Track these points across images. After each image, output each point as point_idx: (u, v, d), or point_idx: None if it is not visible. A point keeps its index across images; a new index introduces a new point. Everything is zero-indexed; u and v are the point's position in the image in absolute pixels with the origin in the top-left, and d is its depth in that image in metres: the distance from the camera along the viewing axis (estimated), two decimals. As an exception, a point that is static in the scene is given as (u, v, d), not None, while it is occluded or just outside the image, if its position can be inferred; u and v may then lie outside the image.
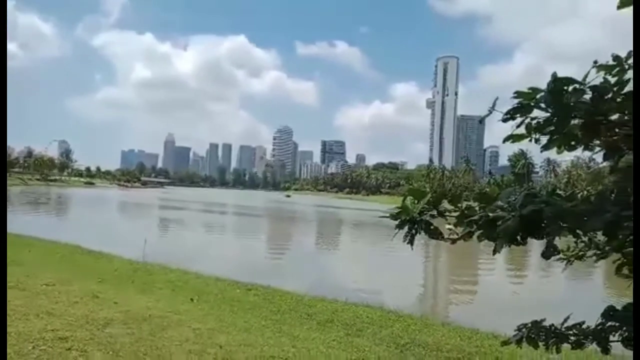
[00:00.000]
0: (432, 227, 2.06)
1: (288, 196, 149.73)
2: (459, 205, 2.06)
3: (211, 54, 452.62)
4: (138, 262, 12.99)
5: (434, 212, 2.02)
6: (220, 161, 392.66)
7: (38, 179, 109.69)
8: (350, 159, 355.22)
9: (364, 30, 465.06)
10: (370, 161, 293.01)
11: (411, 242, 2.06)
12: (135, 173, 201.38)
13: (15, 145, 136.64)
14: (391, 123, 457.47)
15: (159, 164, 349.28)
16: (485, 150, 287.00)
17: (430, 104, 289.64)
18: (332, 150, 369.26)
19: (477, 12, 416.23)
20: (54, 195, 68.14)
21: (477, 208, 2.03)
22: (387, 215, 2.11)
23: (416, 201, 2.08)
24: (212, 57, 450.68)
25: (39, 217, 34.85)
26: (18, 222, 27.70)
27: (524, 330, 2.13)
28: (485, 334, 8.12)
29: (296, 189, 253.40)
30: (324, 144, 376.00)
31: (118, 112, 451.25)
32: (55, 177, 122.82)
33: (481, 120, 2.27)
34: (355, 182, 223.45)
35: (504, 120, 2.13)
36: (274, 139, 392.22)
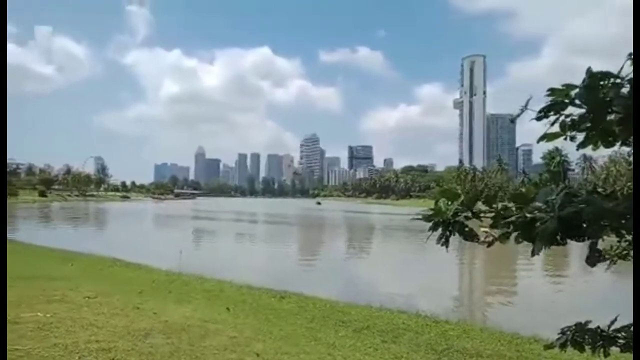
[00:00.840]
0: (467, 229, 2.03)
1: (319, 203, 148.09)
2: (494, 206, 2.02)
3: (236, 66, 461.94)
4: (174, 272, 13.29)
5: (469, 214, 1.99)
6: (249, 171, 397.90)
7: (77, 195, 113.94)
8: (378, 163, 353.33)
9: (384, 34, 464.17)
10: (398, 165, 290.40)
11: (446, 244, 2.04)
12: (168, 186, 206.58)
13: (55, 163, 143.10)
14: (418, 125, 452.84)
15: (191, 176, 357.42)
16: (517, 148, 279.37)
17: (457, 104, 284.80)
18: (359, 155, 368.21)
19: (499, 8, 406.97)
20: (92, 209, 70.66)
21: (513, 209, 1.99)
22: (419, 217, 2.09)
23: (449, 202, 2.06)
24: (237, 70, 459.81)
25: (79, 232, 36.18)
26: (60, 236, 28.89)
27: (568, 333, 2.06)
28: (526, 338, 7.88)
29: (324, 195, 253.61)
30: (350, 149, 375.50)
31: (150, 127, 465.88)
32: (93, 193, 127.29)
33: (513, 120, 2.23)
34: (384, 186, 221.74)
35: (538, 119, 2.08)
36: (301, 146, 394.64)
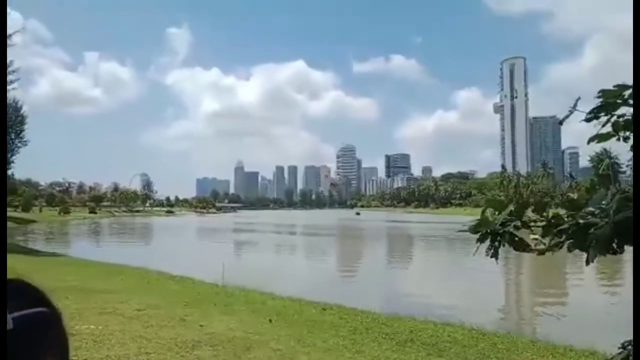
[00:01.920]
0: (516, 239, 1.97)
1: (358, 214, 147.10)
2: (545, 214, 1.95)
3: (272, 81, 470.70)
4: (218, 285, 13.55)
5: (518, 223, 1.93)
6: (287, 183, 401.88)
7: (124, 211, 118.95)
8: (416, 171, 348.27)
9: (418, 41, 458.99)
10: (438, 172, 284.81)
11: (495, 256, 1.99)
12: (209, 199, 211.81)
13: (103, 181, 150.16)
14: (456, 131, 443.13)
15: (231, 190, 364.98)
16: (563, 151, 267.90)
17: (498, 109, 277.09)
18: (396, 164, 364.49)
19: (536, 9, 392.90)
20: (138, 224, 73.44)
21: (564, 216, 1.91)
22: (466, 228, 2.05)
23: (496, 212, 2.01)
24: (273, 84, 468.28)
25: (126, 246, 37.63)
26: (109, 251, 30.19)
27: (629, 347, 1.95)
28: (581, 351, 7.48)
29: (362, 206, 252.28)
30: (387, 158, 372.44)
31: (191, 143, 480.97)
32: (139, 208, 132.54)
33: (561, 122, 2.16)
34: (423, 195, 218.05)
35: (587, 120, 2.01)
36: (338, 157, 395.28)
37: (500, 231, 1.92)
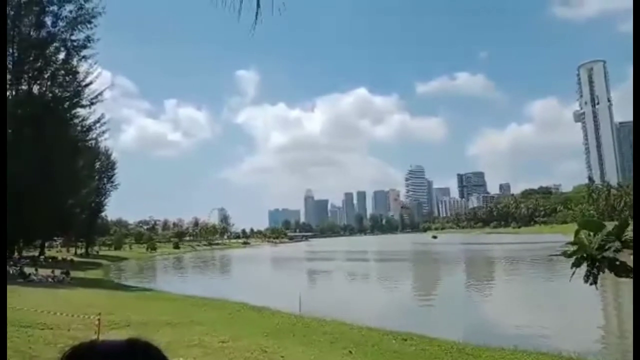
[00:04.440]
0: (618, 263, 1.79)
1: (434, 237, 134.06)
2: (649, 233, 1.76)
3: (336, 110, 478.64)
4: (295, 315, 13.65)
5: (618, 245, 1.76)
6: (356, 209, 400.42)
7: (205, 244, 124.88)
8: (493, 189, 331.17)
9: (484, 55, 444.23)
10: (517, 189, 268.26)
11: (594, 282, 1.82)
12: (282, 229, 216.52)
13: (185, 217, 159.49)
14: (533, 144, 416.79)
15: (302, 219, 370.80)
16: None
17: (579, 117, 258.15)
18: (470, 183, 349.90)
19: (610, 8, 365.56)
20: (218, 257, 76.60)
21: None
22: (558, 253, 1.90)
23: (592, 233, 1.85)
24: (337, 113, 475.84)
25: (208, 278, 39.28)
26: (192, 284, 31.69)
27: None
28: None
29: (436, 228, 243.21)
30: (460, 177, 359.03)
31: (262, 177, 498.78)
32: (218, 241, 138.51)
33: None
34: (502, 213, 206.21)
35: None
36: (406, 179, 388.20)
37: (599, 256, 1.76)
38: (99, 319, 7.88)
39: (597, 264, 1.74)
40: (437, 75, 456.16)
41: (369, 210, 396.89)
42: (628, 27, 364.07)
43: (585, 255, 1.75)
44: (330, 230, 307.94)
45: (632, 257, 1.85)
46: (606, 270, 1.76)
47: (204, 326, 10.80)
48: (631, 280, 1.79)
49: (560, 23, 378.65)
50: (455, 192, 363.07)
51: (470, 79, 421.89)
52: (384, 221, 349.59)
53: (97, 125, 40.80)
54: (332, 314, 13.68)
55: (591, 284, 1.77)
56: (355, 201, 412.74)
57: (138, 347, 0.75)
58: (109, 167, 63.39)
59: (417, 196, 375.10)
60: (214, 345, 8.42)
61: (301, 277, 37.35)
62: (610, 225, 1.83)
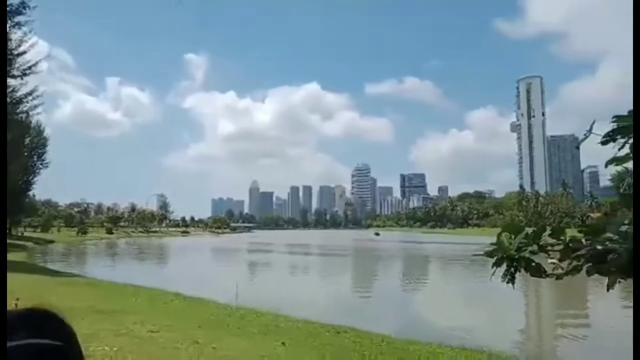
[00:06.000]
0: (533, 264, 1.92)
1: (377, 234, 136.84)
2: (562, 238, 1.91)
3: (287, 103, 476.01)
4: (231, 306, 13.48)
5: (535, 248, 1.88)
6: (302, 203, 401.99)
7: (141, 231, 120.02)
8: (432, 191, 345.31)
9: (433, 63, 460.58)
10: (454, 192, 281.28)
11: (512, 281, 1.94)
12: (224, 220, 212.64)
13: (121, 201, 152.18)
14: (472, 151, 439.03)
15: (246, 210, 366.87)
16: (583, 170, 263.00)
17: (515, 128, 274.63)
18: (412, 184, 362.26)
19: (549, 30, 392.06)
20: (154, 245, 73.96)
21: (583, 240, 1.86)
22: (482, 253, 2.01)
23: (513, 236, 1.97)
24: (288, 106, 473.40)
25: (142, 266, 37.84)
26: (124, 271, 30.38)
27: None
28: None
29: (377, 225, 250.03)
30: (403, 178, 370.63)
31: (207, 165, 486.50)
32: (155, 229, 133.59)
33: (578, 146, 2.13)
34: (439, 215, 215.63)
35: (603, 143, 1.97)
36: (352, 177, 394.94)
37: (516, 256, 1.87)
38: (16, 305, 7.33)
39: (515, 264, 1.86)
40: (387, 78, 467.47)
41: (314, 205, 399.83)
42: (560, 48, 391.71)
43: (504, 255, 1.87)
44: (274, 223, 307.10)
45: (547, 260, 1.98)
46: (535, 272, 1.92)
47: (134, 315, 10.38)
48: (548, 280, 1.92)
49: (504, 39, 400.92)
50: (397, 192, 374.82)
51: (419, 84, 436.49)
52: (328, 216, 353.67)
53: (29, 98, 37.81)
54: (269, 306, 13.67)
55: (508, 282, 1.88)
56: (301, 195, 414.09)
57: (37, 314, 0.72)
58: (40, 143, 58.98)
59: (362, 194, 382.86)
60: (144, 335, 8.13)
61: (241, 268, 36.96)
62: (530, 230, 1.96)
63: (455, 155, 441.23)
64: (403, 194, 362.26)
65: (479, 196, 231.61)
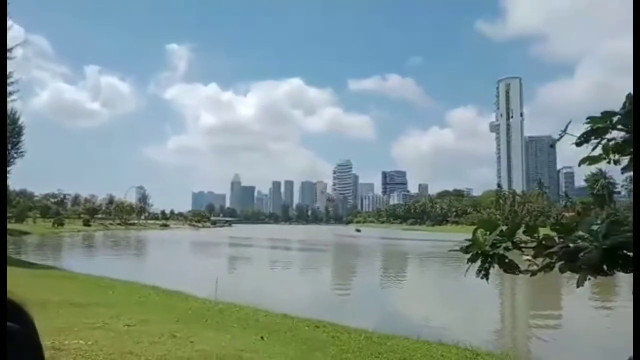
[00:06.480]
0: (507, 261, 1.96)
1: (358, 230, 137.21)
2: (536, 235, 1.95)
3: (270, 97, 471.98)
4: (210, 300, 13.40)
5: (509, 244, 1.92)
6: (283, 198, 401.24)
7: (119, 224, 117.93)
8: (413, 188, 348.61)
9: (415, 61, 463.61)
10: (434, 190, 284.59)
11: (486, 277, 1.98)
12: (205, 213, 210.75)
13: (99, 193, 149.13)
14: (452, 149, 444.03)
15: (227, 204, 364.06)
16: (559, 171, 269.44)
17: (494, 128, 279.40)
18: (393, 180, 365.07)
19: (529, 32, 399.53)
20: (132, 238, 72.85)
21: (555, 238, 1.91)
22: (457, 248, 2.05)
23: (488, 233, 2.01)
24: (271, 101, 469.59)
25: (119, 259, 37.26)
26: (101, 264, 29.85)
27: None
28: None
29: (358, 222, 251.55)
30: (384, 175, 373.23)
31: (188, 158, 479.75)
32: (134, 221, 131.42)
33: (552, 145, 2.18)
34: (419, 212, 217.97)
35: (578, 144, 2.02)
36: (334, 173, 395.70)
37: (491, 252, 1.91)
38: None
39: (489, 260, 1.90)
40: (370, 75, 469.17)
41: (296, 200, 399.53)
42: (540, 50, 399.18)
43: (479, 251, 1.91)
44: (255, 217, 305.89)
45: (521, 257, 2.03)
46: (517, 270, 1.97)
47: (110, 309, 10.23)
48: (521, 276, 1.97)
49: (485, 39, 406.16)
50: (378, 189, 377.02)
51: (401, 81, 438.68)
52: (309, 212, 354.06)
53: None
54: (249, 300, 13.63)
55: (482, 278, 1.92)
56: (282, 190, 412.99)
57: None
58: (15, 131, 57.30)
59: (343, 190, 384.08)
60: (120, 329, 8.01)
61: (221, 262, 36.74)
62: (505, 227, 2.01)
63: (436, 153, 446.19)
64: (384, 190, 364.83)
65: (458, 194, 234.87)
